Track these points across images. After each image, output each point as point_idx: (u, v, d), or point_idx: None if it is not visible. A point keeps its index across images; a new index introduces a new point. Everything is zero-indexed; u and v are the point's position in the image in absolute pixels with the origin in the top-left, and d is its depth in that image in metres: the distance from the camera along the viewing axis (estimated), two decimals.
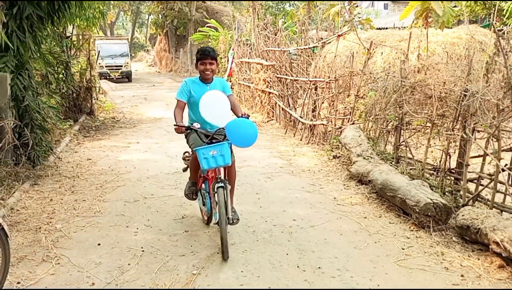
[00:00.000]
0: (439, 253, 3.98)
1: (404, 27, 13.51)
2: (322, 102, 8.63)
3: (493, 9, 12.79)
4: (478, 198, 4.84)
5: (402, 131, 6.28)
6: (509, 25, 12.05)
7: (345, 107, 7.98)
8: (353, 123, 7.45)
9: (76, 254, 3.95)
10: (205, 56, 4.19)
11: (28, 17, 5.90)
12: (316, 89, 8.66)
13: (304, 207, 5.24)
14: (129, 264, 3.79)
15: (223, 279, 3.54)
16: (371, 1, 30.82)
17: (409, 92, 6.01)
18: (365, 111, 7.19)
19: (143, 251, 4.05)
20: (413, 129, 6.45)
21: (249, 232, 4.47)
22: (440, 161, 5.55)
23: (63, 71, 9.99)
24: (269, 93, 11.18)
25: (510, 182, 4.45)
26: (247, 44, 14.03)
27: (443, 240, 4.25)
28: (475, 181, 4.91)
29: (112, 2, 26.05)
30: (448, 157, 5.32)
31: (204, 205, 4.41)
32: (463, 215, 4.19)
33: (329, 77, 8.16)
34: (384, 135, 6.88)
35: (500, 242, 3.60)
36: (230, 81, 14.60)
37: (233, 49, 15.24)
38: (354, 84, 7.81)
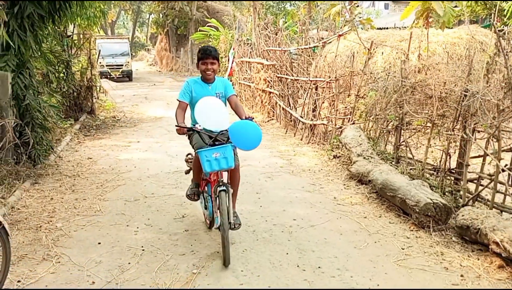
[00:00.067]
0: (439, 253, 3.98)
1: (405, 27, 13.51)
2: (323, 102, 8.64)
3: (494, 9, 12.78)
4: (478, 198, 4.84)
5: (402, 131, 6.28)
6: (510, 26, 12.05)
7: (346, 107, 7.99)
8: (353, 123, 7.45)
9: (77, 253, 3.96)
10: (207, 55, 4.12)
11: (29, 16, 5.91)
12: (316, 89, 8.66)
13: (304, 206, 5.25)
14: (129, 263, 3.80)
15: (223, 278, 3.54)
16: (372, 1, 30.80)
17: (409, 92, 6.01)
18: (365, 111, 7.19)
19: (143, 250, 4.05)
20: (414, 129, 6.46)
21: (249, 231, 4.47)
22: (440, 161, 5.56)
23: (64, 70, 10.01)
24: (270, 92, 11.19)
25: (510, 183, 4.46)
26: (248, 43, 14.03)
27: (443, 240, 4.25)
28: (475, 181, 4.91)
29: (113, 1, 26.05)
30: (448, 157, 5.32)
31: (206, 208, 4.33)
32: (463, 215, 4.19)
33: (329, 77, 8.16)
34: (385, 135, 6.88)
35: (500, 242, 3.61)
36: (231, 81, 14.60)
37: (233, 49, 15.25)
38: (354, 84, 7.82)
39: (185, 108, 4.15)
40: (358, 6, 12.74)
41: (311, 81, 8.69)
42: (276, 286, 3.47)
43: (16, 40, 5.82)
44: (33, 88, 6.44)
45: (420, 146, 6.51)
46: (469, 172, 4.87)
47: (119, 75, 23.77)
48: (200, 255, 3.95)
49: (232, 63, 15.22)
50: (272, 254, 3.99)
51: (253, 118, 3.89)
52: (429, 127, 5.67)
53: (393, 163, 6.19)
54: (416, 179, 5.16)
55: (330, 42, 10.38)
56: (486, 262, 3.77)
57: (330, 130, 8.22)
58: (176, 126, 3.87)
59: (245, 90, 13.79)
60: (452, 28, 11.81)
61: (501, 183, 4.40)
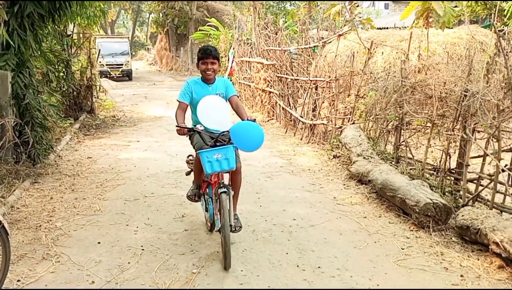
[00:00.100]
0: (439, 253, 3.98)
1: (405, 27, 13.51)
2: (323, 102, 8.64)
3: (494, 9, 12.78)
4: (478, 199, 4.84)
5: (402, 131, 6.28)
6: (510, 26, 12.05)
7: (346, 107, 7.99)
8: (353, 123, 7.45)
9: (76, 252, 3.96)
10: (207, 55, 4.04)
11: (29, 16, 5.90)
12: (316, 89, 8.66)
13: (304, 206, 5.24)
14: (129, 262, 3.80)
15: (223, 278, 3.54)
16: (372, 1, 30.80)
17: (409, 92, 6.01)
18: (365, 111, 7.19)
19: (143, 249, 4.05)
20: (413, 129, 6.46)
21: (249, 231, 4.47)
22: (440, 161, 5.56)
23: (63, 70, 10.00)
24: (270, 92, 11.19)
25: (510, 183, 4.46)
26: (248, 43, 14.03)
27: (442, 240, 4.25)
28: (475, 181, 4.91)
29: (113, 1, 26.03)
30: (448, 157, 5.32)
31: (207, 211, 4.26)
32: (463, 215, 4.19)
33: (329, 77, 8.16)
34: (384, 135, 6.88)
35: (499, 242, 3.61)
36: (231, 80, 14.60)
37: (233, 48, 15.25)
38: (354, 83, 7.82)
39: (185, 109, 4.08)
40: (358, 6, 12.73)
41: (311, 80, 8.69)
42: (276, 286, 3.47)
43: (16, 39, 5.82)
44: (33, 87, 6.44)
45: (420, 146, 6.51)
46: (469, 172, 4.87)
47: (119, 74, 23.78)
48: (200, 255, 3.94)
49: (232, 62, 15.22)
50: (271, 254, 3.99)
51: (255, 119, 3.82)
52: (429, 127, 5.67)
53: (393, 163, 6.19)
54: (416, 179, 5.16)
55: (330, 42, 10.37)
56: (486, 262, 3.77)
57: (330, 130, 8.22)
58: (176, 126, 3.80)
59: (245, 90, 13.79)
60: (452, 28, 11.82)
61: (501, 183, 4.40)
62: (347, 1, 12.05)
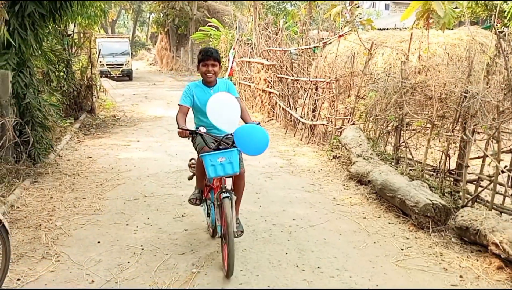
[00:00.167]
0: (438, 254, 3.99)
1: (405, 28, 13.52)
2: (323, 102, 8.64)
3: (494, 10, 12.79)
4: (478, 200, 4.85)
5: (402, 132, 6.28)
6: (510, 27, 12.06)
7: (346, 108, 7.99)
8: (353, 124, 7.46)
9: (76, 252, 3.96)
10: (208, 57, 3.90)
11: (30, 15, 5.91)
12: (316, 89, 8.67)
13: (304, 207, 5.25)
14: (128, 262, 3.80)
15: (222, 278, 3.55)
16: (372, 2, 30.82)
17: (409, 93, 6.02)
18: (365, 112, 7.20)
19: (142, 249, 4.06)
20: (413, 130, 6.46)
21: (249, 231, 4.47)
22: (439, 162, 5.56)
23: (64, 69, 10.01)
24: (270, 92, 11.19)
25: (509, 184, 4.46)
26: (248, 43, 14.04)
27: (442, 241, 4.26)
28: (475, 182, 4.92)
29: (113, 1, 26.06)
30: (447, 158, 5.33)
31: (208, 216, 4.17)
32: (462, 216, 4.20)
33: (329, 77, 8.17)
34: (384, 135, 6.89)
35: (499, 243, 3.61)
36: (231, 81, 14.61)
37: (234, 49, 15.26)
38: (354, 84, 7.82)
39: (186, 112, 3.93)
40: (358, 6, 12.73)
41: (311, 81, 8.70)
42: (275, 286, 3.47)
43: (17, 38, 5.83)
44: (33, 87, 6.45)
45: (419, 147, 6.52)
46: (468, 173, 4.87)
47: (119, 74, 23.79)
48: (200, 255, 3.95)
49: (233, 63, 15.23)
50: (271, 254, 4.00)
51: (259, 123, 3.71)
52: (429, 128, 5.67)
53: (393, 163, 6.20)
54: (416, 179, 5.16)
55: (331, 43, 10.37)
56: (485, 263, 3.78)
57: (330, 131, 8.23)
58: (178, 128, 3.67)
59: (245, 90, 13.80)
60: (452, 29, 11.82)
61: (500, 184, 4.41)
62: (348, 2, 12.06)
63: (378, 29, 15.01)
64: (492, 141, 4.57)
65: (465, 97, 4.88)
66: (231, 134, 3.57)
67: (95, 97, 11.86)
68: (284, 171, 6.79)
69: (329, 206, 5.26)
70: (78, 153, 7.71)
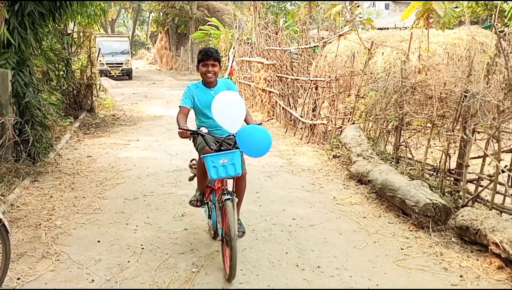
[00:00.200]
0: (438, 254, 3.99)
1: (405, 28, 13.51)
2: (323, 102, 8.64)
3: (495, 10, 12.78)
4: (478, 199, 4.85)
5: (402, 131, 6.28)
6: (511, 27, 12.05)
7: (346, 107, 7.99)
8: (353, 123, 7.46)
9: (76, 251, 3.96)
10: (208, 57, 3.81)
11: (30, 14, 5.89)
12: (316, 89, 8.67)
13: (304, 206, 5.25)
14: (128, 261, 3.80)
15: (223, 277, 3.54)
16: (373, 1, 30.81)
17: (409, 92, 6.02)
18: (365, 111, 7.20)
19: (142, 248, 4.05)
20: (413, 129, 6.46)
21: (249, 230, 4.47)
22: (440, 162, 5.56)
23: (63, 68, 10.00)
24: (270, 92, 11.19)
25: (509, 184, 4.46)
26: (248, 43, 14.03)
27: (442, 241, 4.26)
28: (475, 182, 4.92)
29: (113, 0, 26.06)
30: (448, 157, 5.33)
31: (209, 218, 4.08)
32: (462, 216, 4.20)
33: (329, 77, 8.16)
34: (384, 135, 6.89)
35: (499, 243, 3.61)
36: (231, 80, 14.60)
37: (234, 48, 15.25)
38: (354, 84, 7.82)
39: (187, 113, 3.83)
40: (358, 6, 12.73)
41: (311, 80, 8.70)
42: (275, 285, 3.47)
43: (17, 37, 5.82)
44: (33, 86, 6.44)
45: (420, 147, 6.52)
46: (468, 173, 4.87)
47: (119, 73, 23.76)
48: (200, 254, 3.95)
49: (232, 62, 15.22)
50: (271, 253, 3.99)
51: (261, 123, 3.61)
52: (429, 127, 5.67)
53: (393, 163, 6.20)
54: (416, 179, 5.16)
55: (331, 42, 10.37)
56: (486, 262, 3.78)
57: (330, 130, 8.23)
58: (179, 128, 3.57)
59: (245, 90, 13.80)
60: (452, 28, 11.82)
61: (500, 184, 4.41)
62: (348, 1, 12.06)
63: (378, 29, 15.01)
64: (492, 141, 4.57)
65: (465, 96, 4.88)
66: (233, 135, 3.49)
67: (94, 96, 11.85)
68: (284, 171, 6.79)
69: (329, 206, 5.26)
70: (77, 152, 7.70)
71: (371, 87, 7.28)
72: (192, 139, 3.84)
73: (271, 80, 10.99)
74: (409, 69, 6.42)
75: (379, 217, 4.91)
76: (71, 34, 10.83)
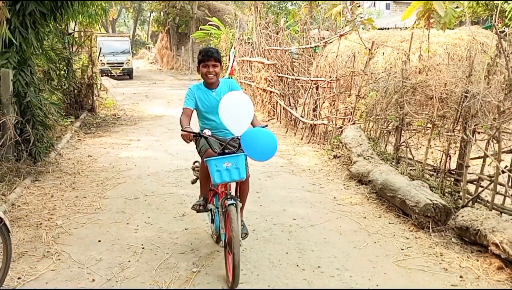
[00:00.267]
0: (438, 254, 3.99)
1: (406, 28, 13.51)
2: (323, 102, 8.64)
3: (495, 10, 12.78)
4: (478, 200, 4.85)
5: (402, 132, 6.29)
6: (511, 27, 12.05)
7: (346, 107, 7.99)
8: (353, 123, 7.46)
9: (77, 250, 3.97)
10: (208, 57, 3.72)
11: (31, 14, 5.90)
12: (317, 89, 8.67)
13: (304, 206, 5.25)
14: (129, 261, 3.81)
15: (223, 277, 3.55)
16: (373, 1, 30.80)
17: (410, 92, 6.02)
18: (366, 111, 7.20)
19: (143, 248, 4.06)
20: (414, 129, 6.46)
21: (249, 230, 4.44)
22: (440, 162, 5.56)
23: (64, 68, 10.00)
24: (270, 92, 11.19)
25: (510, 184, 4.47)
26: (249, 42, 14.03)
27: (442, 241, 4.26)
28: (475, 182, 4.92)
29: (114, 0, 26.05)
30: (448, 158, 5.33)
31: (212, 222, 4.00)
32: (462, 216, 4.20)
33: (330, 77, 8.17)
34: (385, 135, 6.89)
35: (499, 243, 3.61)
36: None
37: (234, 48, 15.25)
38: (355, 84, 7.82)
39: (190, 114, 3.72)
40: (359, 6, 12.72)
41: (312, 80, 8.70)
42: (276, 285, 3.48)
43: (18, 37, 5.83)
44: (34, 86, 6.45)
45: (420, 147, 6.52)
46: (469, 173, 4.87)
47: (119, 73, 23.77)
48: (200, 254, 3.95)
49: (233, 62, 15.22)
50: (271, 253, 4.00)
51: (266, 126, 3.54)
52: (430, 128, 5.67)
53: (393, 163, 6.20)
54: (416, 179, 5.16)
55: (331, 42, 10.37)
56: (486, 263, 3.78)
57: (331, 130, 8.23)
58: (182, 130, 3.44)
59: (245, 89, 13.79)
60: (453, 29, 11.82)
61: (501, 184, 4.41)
62: (348, 2, 12.06)
63: (378, 29, 15.00)
64: (492, 141, 4.57)
65: (466, 97, 4.89)
66: (237, 137, 3.39)
67: (95, 96, 11.86)
68: (284, 171, 6.79)
69: (330, 206, 5.26)
70: (78, 152, 7.71)
71: (372, 87, 7.28)
72: (194, 141, 3.72)
73: (272, 80, 10.99)
74: (409, 69, 6.42)
75: (380, 217, 4.92)
76: (72, 34, 10.83)
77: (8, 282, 3.36)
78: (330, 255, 3.98)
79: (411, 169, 5.70)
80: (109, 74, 22.47)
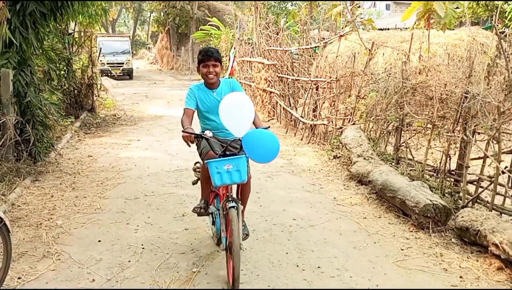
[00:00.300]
0: (438, 254, 3.99)
1: (406, 28, 13.53)
2: (323, 102, 8.65)
3: (495, 11, 12.78)
4: (478, 200, 4.85)
5: (402, 132, 6.29)
6: (511, 27, 12.05)
7: (346, 108, 7.99)
8: (353, 124, 7.46)
9: (77, 250, 3.97)
10: (208, 57, 3.66)
11: (31, 14, 5.91)
12: (317, 89, 8.67)
13: (304, 206, 5.26)
14: (129, 261, 3.81)
15: (223, 277, 3.55)
16: (373, 2, 30.81)
17: (410, 93, 6.02)
18: (366, 112, 7.20)
19: (143, 248, 4.06)
20: (414, 130, 6.47)
21: (249, 230, 4.47)
22: (440, 163, 5.56)
23: (65, 68, 10.01)
24: (270, 92, 11.20)
25: (510, 185, 4.47)
26: (249, 43, 14.04)
27: (442, 241, 4.26)
28: (475, 183, 4.92)
29: (115, 0, 26.05)
30: (448, 158, 5.33)
31: (213, 224, 3.95)
32: (462, 217, 4.20)
33: (330, 77, 8.17)
34: (385, 135, 6.89)
35: (499, 244, 3.62)
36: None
37: (234, 48, 15.26)
38: (355, 84, 7.82)
39: (192, 114, 3.68)
40: (359, 6, 12.74)
41: (312, 81, 8.70)
42: (276, 285, 3.48)
43: (18, 37, 5.83)
44: (34, 86, 6.45)
45: (420, 147, 6.52)
46: (469, 174, 4.88)
47: (119, 73, 23.77)
48: (200, 254, 3.96)
49: (233, 62, 15.22)
50: (271, 253, 4.00)
51: (269, 127, 3.46)
52: (430, 128, 5.67)
53: (393, 164, 6.20)
54: (416, 180, 5.17)
55: (331, 43, 10.38)
56: (485, 263, 3.78)
57: (331, 131, 8.23)
58: (182, 131, 3.39)
59: (245, 90, 13.80)
60: (453, 29, 11.83)
61: (501, 185, 4.41)
62: (349, 2, 12.06)
63: (379, 29, 15.02)
64: (492, 142, 4.57)
65: (466, 97, 4.89)
66: (239, 139, 3.35)
67: (95, 96, 11.86)
68: (284, 171, 6.80)
69: (330, 206, 5.26)
70: (78, 152, 7.71)
71: (372, 87, 7.28)
72: (195, 142, 3.61)
73: (272, 80, 10.99)
74: (409, 70, 6.42)
75: (379, 217, 4.92)
76: (72, 34, 10.84)
77: (8, 282, 3.36)
78: (330, 255, 3.98)
79: (411, 170, 5.71)
80: (109, 74, 22.46)
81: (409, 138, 6.35)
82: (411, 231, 4.51)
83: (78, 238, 4.23)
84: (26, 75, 6.18)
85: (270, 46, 11.50)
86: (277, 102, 10.84)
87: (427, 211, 4.43)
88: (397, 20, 19.18)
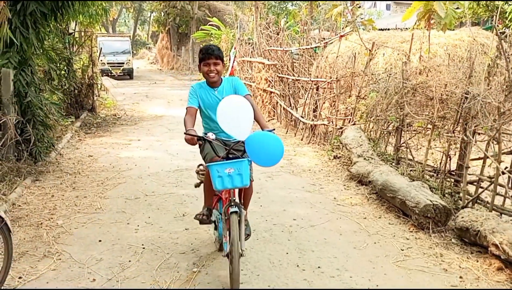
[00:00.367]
0: (438, 255, 4.00)
1: (406, 29, 13.53)
2: (324, 102, 8.65)
3: (496, 11, 12.78)
4: (478, 201, 4.85)
5: (403, 133, 6.29)
6: None
7: (346, 108, 8.00)
8: (354, 124, 7.47)
9: (77, 250, 3.97)
10: (209, 55, 3.58)
11: (32, 14, 5.92)
12: (317, 89, 8.67)
13: (304, 206, 5.26)
14: (129, 261, 3.81)
15: (223, 277, 3.55)
16: (374, 2, 30.81)
17: (410, 93, 6.02)
18: (366, 112, 7.21)
19: (143, 248, 4.07)
20: (414, 130, 6.47)
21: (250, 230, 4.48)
22: (440, 163, 5.57)
23: (65, 68, 10.02)
24: (271, 92, 11.20)
25: (510, 185, 4.47)
26: (249, 43, 14.04)
27: (442, 242, 4.27)
28: (475, 183, 4.93)
29: (115, 0, 26.06)
30: (448, 159, 5.34)
31: (216, 229, 3.86)
32: (462, 217, 4.21)
33: (330, 78, 8.17)
34: (385, 136, 6.90)
35: (499, 244, 3.62)
36: None
37: (235, 48, 15.26)
38: (355, 84, 7.83)
39: (195, 113, 3.60)
40: (360, 7, 12.74)
41: (312, 81, 8.71)
42: (276, 285, 3.48)
43: (19, 37, 5.83)
44: (34, 85, 6.46)
45: (420, 148, 6.53)
46: (469, 174, 4.88)
47: (120, 73, 23.76)
48: (201, 254, 3.96)
49: (233, 62, 15.22)
50: (272, 253, 4.01)
51: (274, 129, 3.37)
52: (430, 128, 5.68)
53: (393, 164, 6.21)
54: (416, 180, 5.17)
55: (332, 43, 10.38)
56: (485, 264, 3.79)
57: (331, 131, 8.24)
58: (185, 133, 3.31)
59: None
60: (453, 30, 11.83)
61: (501, 185, 4.42)
62: (349, 2, 12.07)
63: (379, 30, 15.02)
64: (492, 142, 4.57)
65: (466, 98, 4.89)
66: (242, 141, 3.28)
67: (96, 96, 11.88)
68: (284, 171, 6.80)
69: (330, 206, 5.27)
70: (79, 151, 7.72)
71: (372, 88, 7.29)
72: (198, 145, 3.56)
73: (272, 80, 10.99)
74: (410, 70, 6.42)
75: (380, 218, 4.92)
76: (73, 34, 10.86)
77: (9, 282, 3.37)
78: (330, 255, 3.98)
79: (411, 170, 5.71)
80: (109, 74, 22.46)
81: (409, 139, 6.35)
82: (411, 232, 4.51)
83: (79, 238, 4.23)
84: (26, 75, 6.19)
85: (271, 46, 11.51)
86: (277, 102, 10.84)
87: (427, 211, 4.44)
88: (397, 20, 19.18)
